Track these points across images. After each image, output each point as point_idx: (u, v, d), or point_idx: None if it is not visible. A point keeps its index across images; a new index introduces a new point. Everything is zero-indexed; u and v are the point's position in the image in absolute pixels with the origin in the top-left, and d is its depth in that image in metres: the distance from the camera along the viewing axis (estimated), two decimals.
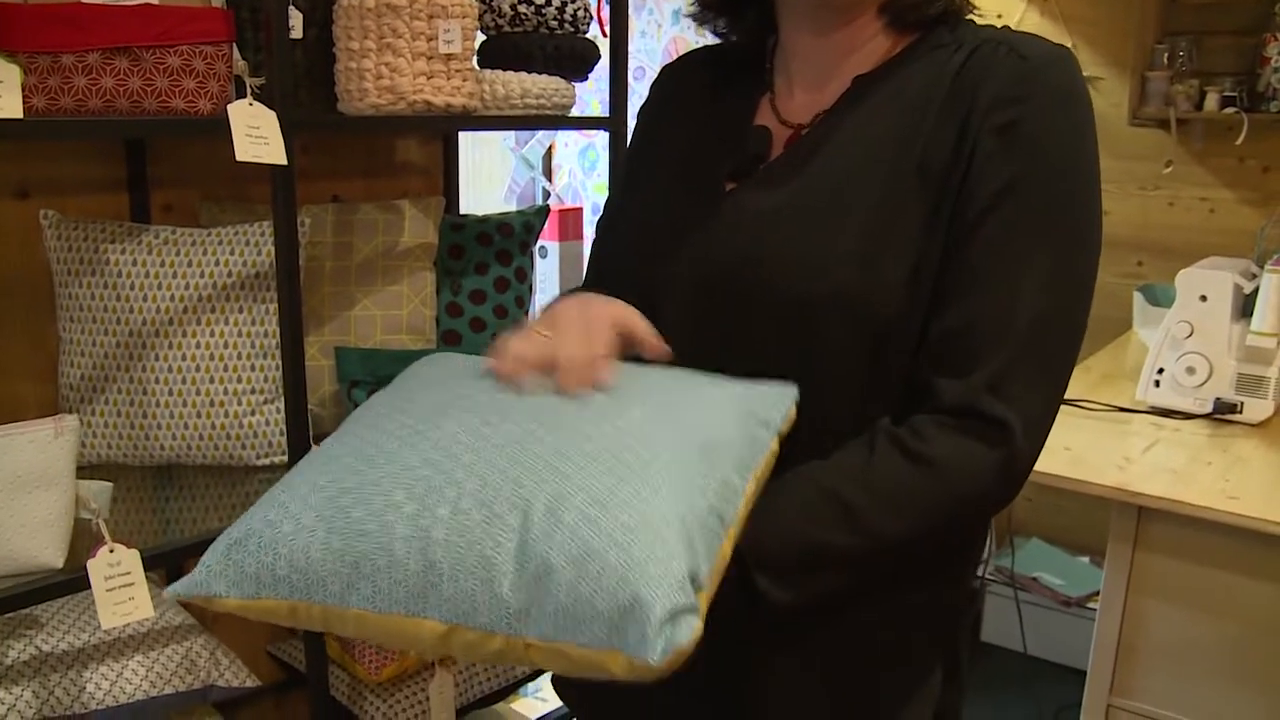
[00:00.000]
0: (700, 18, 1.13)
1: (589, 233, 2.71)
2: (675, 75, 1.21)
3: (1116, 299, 3.20)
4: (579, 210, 2.59)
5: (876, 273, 0.91)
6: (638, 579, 0.67)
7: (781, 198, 0.98)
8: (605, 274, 1.13)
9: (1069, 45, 3.44)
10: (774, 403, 0.92)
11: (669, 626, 0.66)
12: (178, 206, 1.91)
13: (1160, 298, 3.05)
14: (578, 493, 0.72)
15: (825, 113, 1.02)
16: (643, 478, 0.74)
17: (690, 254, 1.01)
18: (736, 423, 0.86)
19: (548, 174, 2.82)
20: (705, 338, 0.98)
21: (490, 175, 2.76)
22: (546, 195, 2.74)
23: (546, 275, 2.54)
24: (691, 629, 0.68)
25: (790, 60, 1.07)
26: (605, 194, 2.57)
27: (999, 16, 3.56)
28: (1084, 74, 0.96)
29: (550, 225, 2.51)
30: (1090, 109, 0.95)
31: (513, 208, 2.79)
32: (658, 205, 1.09)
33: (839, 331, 0.92)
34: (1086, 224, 0.94)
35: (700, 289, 1.00)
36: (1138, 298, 3.12)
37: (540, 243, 2.50)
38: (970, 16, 1.03)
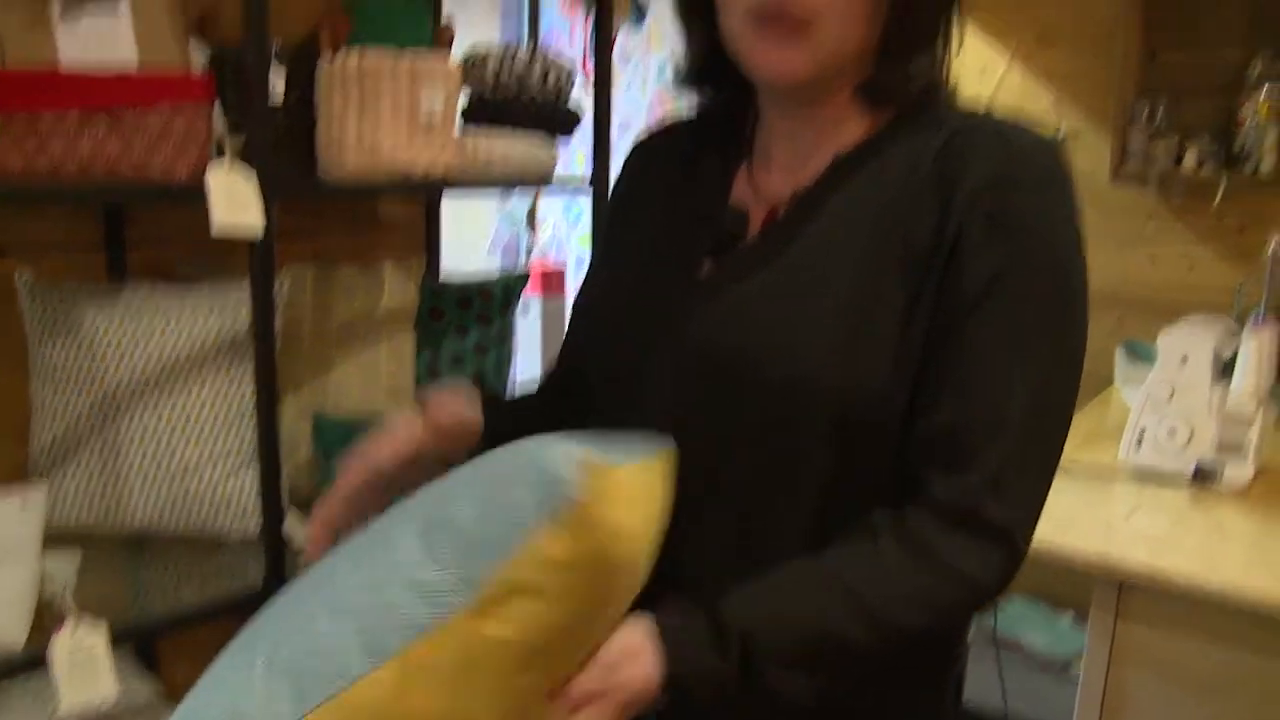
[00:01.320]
0: (680, 86, 1.13)
1: (571, 289, 2.71)
2: (648, 150, 1.20)
3: (1098, 354, 3.17)
4: (562, 266, 2.58)
5: (856, 361, 0.91)
6: None
7: (760, 282, 0.97)
8: (579, 354, 1.13)
9: (1051, 102, 3.48)
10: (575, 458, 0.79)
11: None
12: (156, 264, 1.89)
13: (1142, 353, 3.05)
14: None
15: (804, 191, 1.01)
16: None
17: (667, 339, 1.00)
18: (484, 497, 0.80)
19: (532, 227, 2.81)
20: (683, 425, 0.97)
21: (474, 229, 2.76)
22: (530, 250, 2.74)
23: (529, 331, 2.53)
24: None
25: (768, 134, 1.06)
26: (589, 247, 2.56)
27: (982, 71, 3.59)
28: (1067, 142, 0.97)
29: (533, 281, 2.51)
30: (1075, 196, 0.95)
31: (496, 262, 2.78)
32: (633, 285, 1.08)
33: (817, 419, 0.91)
34: (1075, 312, 0.93)
35: (678, 376, 0.98)
36: (1120, 354, 3.13)
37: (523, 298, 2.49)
38: (951, 92, 1.03)
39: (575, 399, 1.14)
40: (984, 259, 0.90)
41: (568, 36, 2.99)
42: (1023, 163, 0.92)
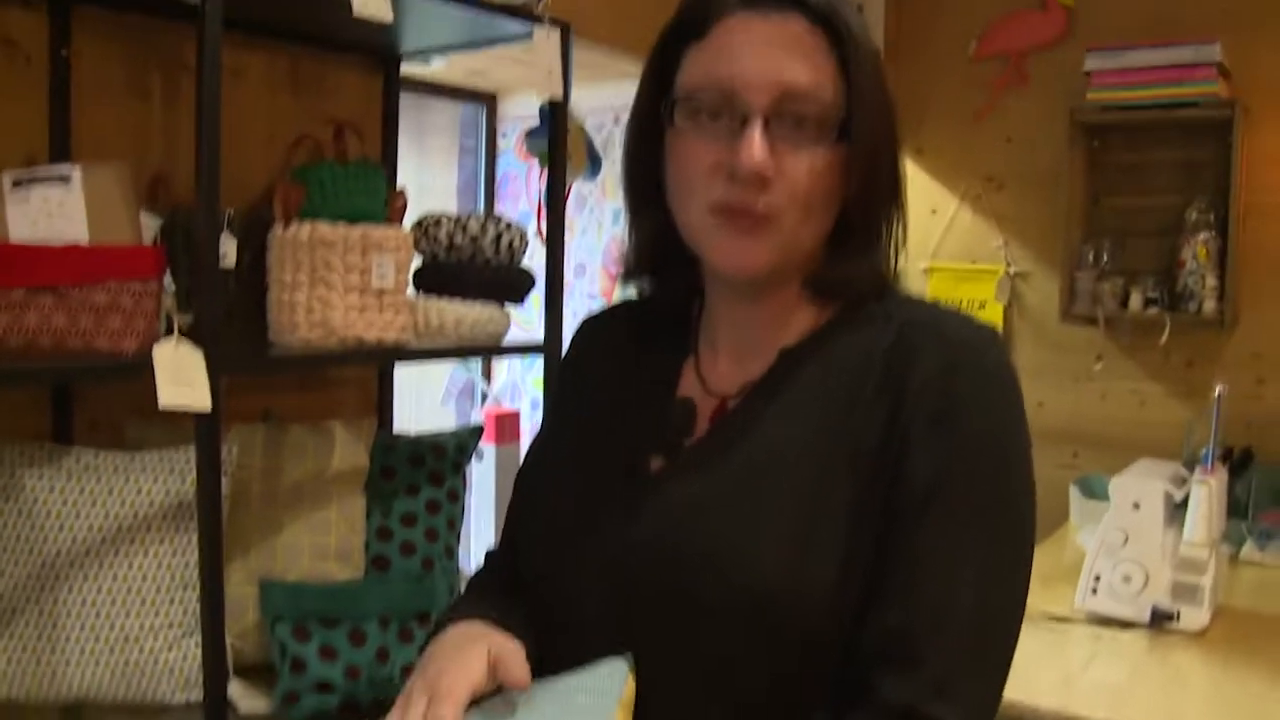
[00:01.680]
0: (627, 277, 1.14)
1: (526, 433, 2.70)
2: (596, 331, 1.21)
3: (1053, 489, 3.21)
4: (516, 413, 2.58)
5: (804, 572, 0.90)
6: None
7: (707, 486, 0.97)
8: (520, 548, 1.11)
9: (1001, 242, 3.56)
10: (607, 677, 0.93)
11: None
12: (103, 423, 1.87)
13: (1097, 489, 3.08)
14: None
15: (752, 386, 1.01)
16: None
17: (611, 543, 0.99)
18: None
19: (486, 375, 2.82)
20: (623, 631, 0.95)
21: (427, 376, 2.76)
22: (485, 396, 2.73)
23: (483, 479, 2.51)
24: None
25: (715, 326, 1.07)
26: (543, 391, 2.56)
27: (933, 212, 3.68)
28: (1008, 353, 0.98)
29: (488, 428, 2.50)
30: (1018, 390, 0.97)
31: (451, 408, 2.78)
32: (576, 480, 1.07)
33: (763, 625, 0.90)
34: (1021, 509, 0.94)
35: (620, 582, 0.97)
36: (1074, 491, 3.15)
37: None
38: (895, 280, 1.04)
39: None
40: (929, 461, 0.91)
41: (524, 180, 3.04)
42: (965, 364, 0.94)
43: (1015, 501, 0.94)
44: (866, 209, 0.99)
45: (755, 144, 0.92)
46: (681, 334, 1.11)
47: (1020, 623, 0.93)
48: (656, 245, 1.07)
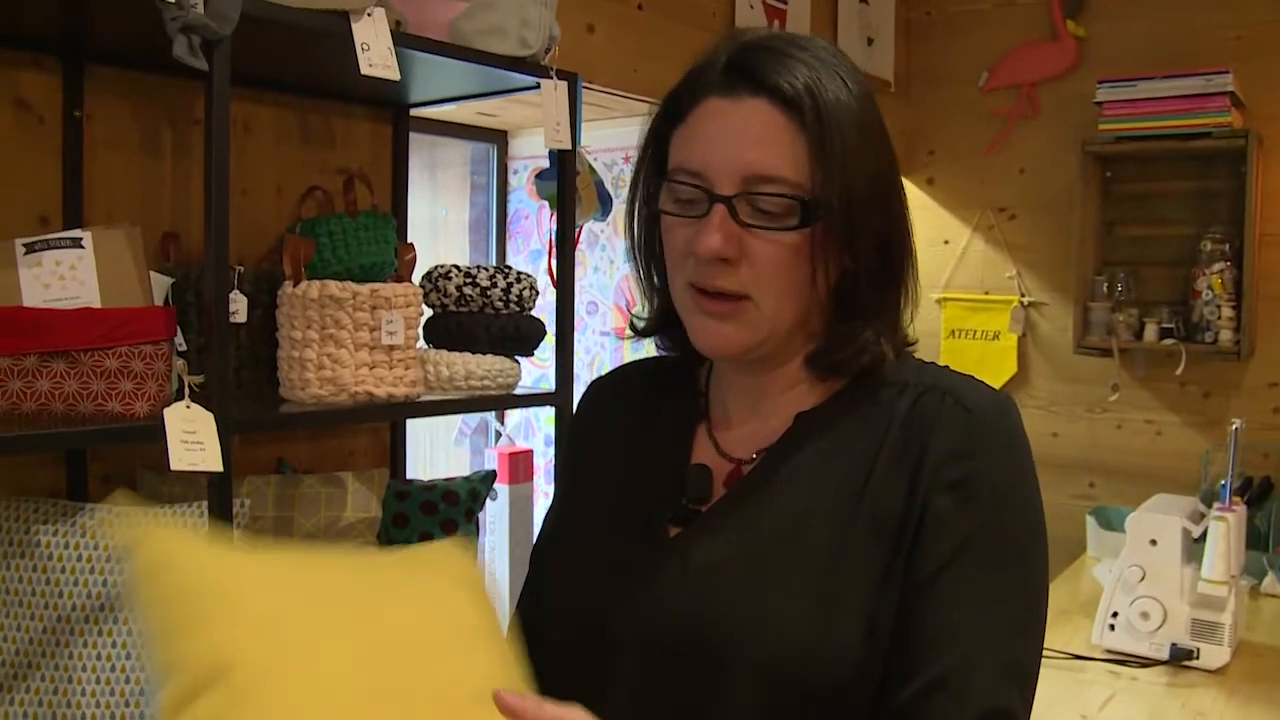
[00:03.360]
0: (637, 335, 1.15)
1: (540, 470, 2.70)
2: (605, 393, 1.21)
3: (1070, 520, 3.21)
4: (529, 452, 2.58)
5: (831, 633, 0.91)
6: None
7: (728, 549, 0.97)
8: (541, 619, 1.10)
9: (1014, 273, 3.55)
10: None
11: None
12: (116, 476, 1.88)
13: (1113, 520, 3.06)
14: None
15: (768, 450, 1.02)
16: None
17: (635, 608, 0.99)
18: None
19: (500, 415, 2.83)
20: (651, 696, 0.96)
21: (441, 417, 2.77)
22: (499, 436, 2.74)
23: (496, 518, 2.51)
24: None
25: (726, 390, 1.08)
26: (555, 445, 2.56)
27: (946, 242, 3.68)
28: (1020, 419, 1.00)
29: (501, 468, 2.50)
30: (1031, 454, 0.99)
31: (465, 449, 2.78)
32: (594, 549, 1.07)
33: (790, 693, 0.91)
34: (1039, 570, 0.97)
35: (647, 647, 0.97)
36: (1091, 522, 3.14)
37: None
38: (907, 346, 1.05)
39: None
40: (951, 527, 0.93)
41: (535, 219, 3.05)
42: (982, 431, 0.96)
43: (1035, 559, 0.97)
44: (858, 284, 0.99)
45: (711, 229, 0.94)
46: (692, 397, 1.11)
47: (1036, 680, 0.96)
48: (662, 314, 1.09)
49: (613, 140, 2.89)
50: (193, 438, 1.40)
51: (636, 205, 1.07)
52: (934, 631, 0.91)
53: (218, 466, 1.41)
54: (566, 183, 1.94)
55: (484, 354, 1.83)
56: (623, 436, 1.14)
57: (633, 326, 1.15)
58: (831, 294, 1.00)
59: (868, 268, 0.99)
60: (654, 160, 1.04)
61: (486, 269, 1.89)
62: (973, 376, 1.02)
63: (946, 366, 1.04)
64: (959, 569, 0.92)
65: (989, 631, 0.91)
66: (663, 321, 1.10)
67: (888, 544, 0.93)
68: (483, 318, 1.85)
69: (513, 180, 3.16)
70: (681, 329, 1.07)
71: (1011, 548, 0.94)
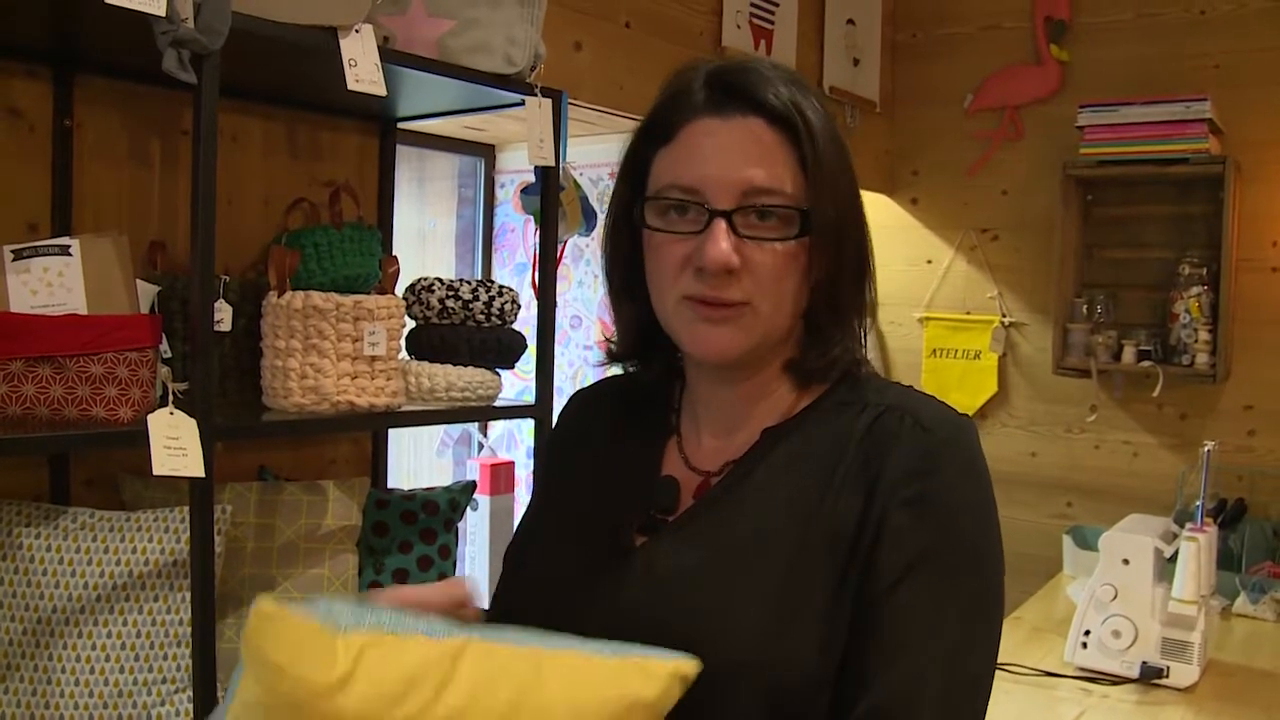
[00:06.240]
0: (612, 361, 1.18)
1: (520, 481, 2.72)
2: (584, 406, 1.25)
3: (1047, 538, 3.24)
4: (510, 464, 2.60)
5: (783, 642, 0.94)
6: None
7: (691, 558, 1.01)
8: (513, 613, 1.13)
9: (995, 293, 3.59)
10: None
11: None
12: (99, 481, 1.89)
13: (1090, 539, 3.09)
14: None
15: (734, 463, 1.05)
16: None
17: (600, 611, 1.02)
18: None
19: (483, 426, 2.85)
20: None
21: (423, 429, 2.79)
22: (481, 447, 2.76)
23: (476, 529, 2.53)
24: None
25: (697, 405, 1.11)
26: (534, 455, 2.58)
27: (928, 262, 3.71)
28: (979, 441, 1.02)
29: (482, 479, 2.52)
30: (988, 474, 1.01)
31: (449, 460, 2.80)
32: (565, 552, 1.11)
33: (745, 700, 0.94)
34: (994, 586, 0.99)
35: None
36: (1067, 541, 3.16)
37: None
38: (868, 370, 1.09)
39: None
40: (905, 543, 0.95)
41: (521, 232, 3.07)
42: (940, 451, 0.98)
43: (989, 578, 0.98)
44: (835, 294, 1.04)
45: (719, 241, 0.97)
46: (664, 414, 1.15)
47: (988, 695, 0.97)
48: (639, 332, 1.13)
49: (598, 156, 2.92)
50: (175, 444, 1.42)
51: (615, 224, 1.10)
52: (888, 644, 0.93)
53: (199, 472, 1.44)
54: (550, 198, 1.97)
55: (465, 366, 1.86)
56: (598, 448, 1.18)
57: (610, 354, 1.18)
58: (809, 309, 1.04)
59: (839, 280, 1.03)
60: (632, 183, 1.07)
61: (469, 282, 1.92)
62: (933, 397, 1.04)
63: (910, 387, 1.07)
64: (914, 583, 0.94)
65: (942, 645, 0.93)
66: (640, 342, 1.14)
67: (844, 556, 0.96)
68: (464, 330, 1.88)
69: (500, 194, 3.19)
70: (658, 349, 1.10)
71: (966, 564, 0.97)
